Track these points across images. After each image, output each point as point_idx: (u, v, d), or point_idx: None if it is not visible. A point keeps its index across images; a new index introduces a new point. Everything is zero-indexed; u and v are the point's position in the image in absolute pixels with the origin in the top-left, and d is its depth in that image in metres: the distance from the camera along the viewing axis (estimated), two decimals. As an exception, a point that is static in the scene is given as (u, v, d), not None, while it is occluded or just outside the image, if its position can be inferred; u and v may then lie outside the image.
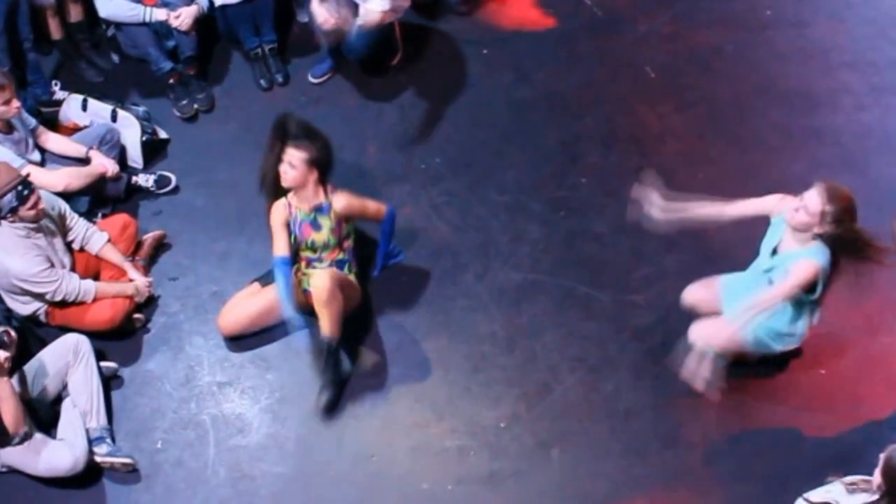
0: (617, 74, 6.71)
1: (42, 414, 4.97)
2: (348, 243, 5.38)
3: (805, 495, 3.59)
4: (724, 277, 5.18)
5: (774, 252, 4.83)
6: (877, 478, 3.56)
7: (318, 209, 5.18)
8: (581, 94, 6.61)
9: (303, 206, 5.19)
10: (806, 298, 4.78)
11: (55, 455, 4.82)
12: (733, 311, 4.86)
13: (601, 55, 6.83)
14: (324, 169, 5.14)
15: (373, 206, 5.37)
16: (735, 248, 5.72)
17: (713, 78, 6.61)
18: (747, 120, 6.23)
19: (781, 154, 6.25)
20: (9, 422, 4.66)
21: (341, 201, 5.18)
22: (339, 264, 5.36)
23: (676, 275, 5.64)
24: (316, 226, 5.21)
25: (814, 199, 4.56)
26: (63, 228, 5.34)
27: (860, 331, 5.47)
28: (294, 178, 5.08)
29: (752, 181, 6.04)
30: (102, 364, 5.26)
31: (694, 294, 5.25)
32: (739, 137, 6.35)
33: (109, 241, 5.46)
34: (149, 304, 5.64)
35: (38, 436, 4.84)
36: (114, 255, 5.47)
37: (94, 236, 5.42)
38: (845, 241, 4.62)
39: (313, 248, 5.29)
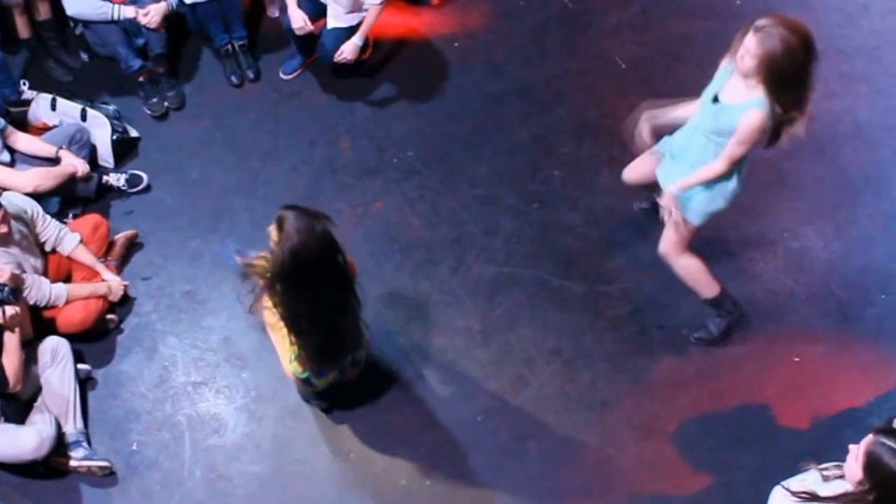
0: (588, 66, 6.71)
1: (12, 415, 4.91)
2: None
3: (783, 483, 3.58)
4: (659, 145, 5.03)
5: (716, 100, 4.58)
6: (854, 471, 3.53)
7: None
8: (553, 86, 6.60)
9: None
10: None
11: (21, 436, 4.80)
12: (673, 178, 4.80)
13: (572, 47, 6.83)
14: None
15: None
16: (708, 237, 5.77)
17: (684, 68, 6.61)
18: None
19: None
20: (10, 374, 4.71)
21: None
22: None
23: (650, 264, 5.64)
24: None
25: (751, 41, 4.27)
26: (34, 231, 5.28)
27: (833, 318, 5.52)
28: None
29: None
30: (77, 366, 5.22)
31: (633, 171, 5.27)
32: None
33: (81, 242, 5.41)
34: (122, 304, 5.61)
35: (7, 424, 4.82)
36: (86, 257, 5.43)
37: (66, 238, 5.37)
38: (790, 81, 4.31)
39: None
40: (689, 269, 5.15)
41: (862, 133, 6.31)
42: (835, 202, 5.99)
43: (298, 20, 6.22)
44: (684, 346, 5.42)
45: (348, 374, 4.87)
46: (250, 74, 6.66)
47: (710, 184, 4.74)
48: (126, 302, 5.62)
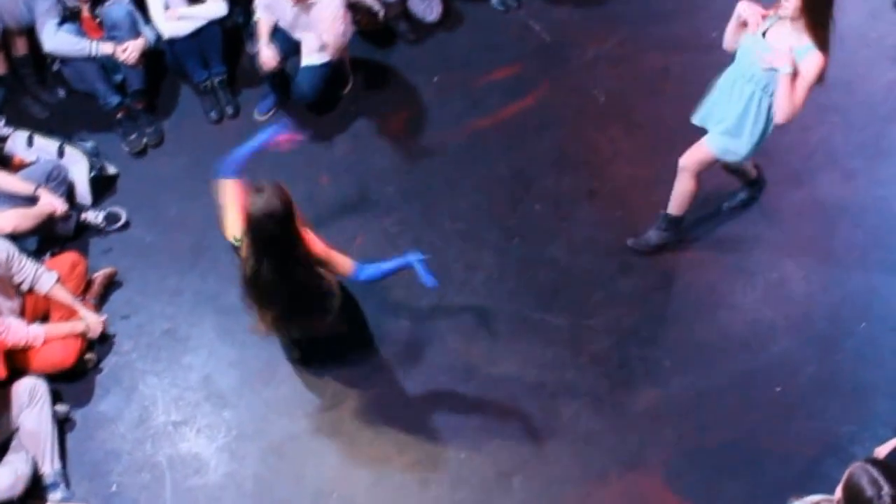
0: (566, 99, 6.74)
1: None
2: None
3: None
4: (700, 121, 5.44)
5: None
6: (838, 493, 3.57)
7: None
8: (531, 120, 6.62)
9: None
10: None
11: None
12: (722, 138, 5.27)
13: (550, 80, 6.86)
14: None
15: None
16: (689, 270, 5.80)
17: (661, 100, 6.66)
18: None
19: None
20: None
21: None
22: None
23: (631, 298, 5.70)
24: None
25: None
26: (10, 272, 5.23)
27: (813, 348, 5.53)
28: None
29: (703, 201, 6.08)
30: (54, 407, 5.17)
31: (688, 157, 5.50)
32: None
33: (58, 280, 5.36)
34: (102, 342, 5.57)
35: None
36: (63, 296, 5.38)
37: (43, 277, 5.32)
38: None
39: None
40: (687, 189, 5.57)
41: (837, 164, 6.35)
42: (812, 233, 6.02)
43: (268, 58, 6.21)
44: (667, 379, 5.42)
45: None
46: (229, 110, 6.66)
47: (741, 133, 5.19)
48: (105, 340, 5.58)
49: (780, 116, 4.94)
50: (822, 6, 4.72)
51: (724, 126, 5.23)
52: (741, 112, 5.11)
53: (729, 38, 5.10)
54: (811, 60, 4.76)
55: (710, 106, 5.32)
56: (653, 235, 5.86)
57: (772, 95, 4.96)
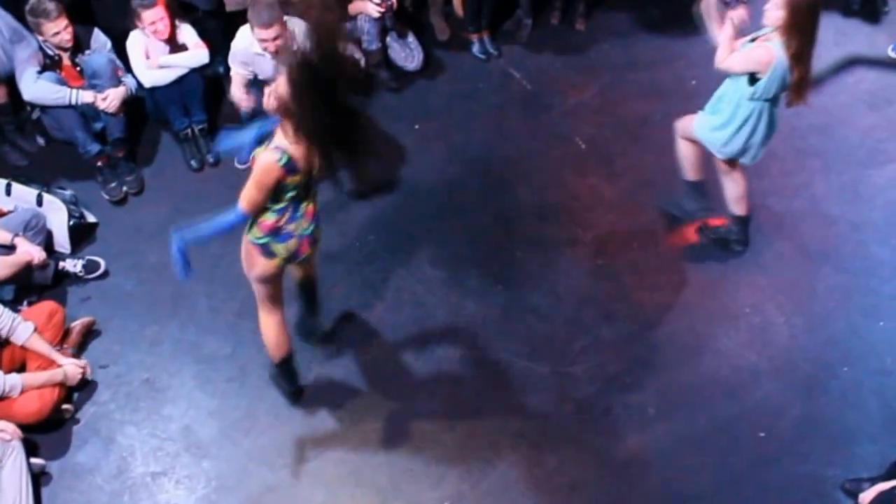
0: (548, 146, 6.77)
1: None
2: None
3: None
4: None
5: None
6: None
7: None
8: (513, 167, 6.64)
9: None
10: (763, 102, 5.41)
11: None
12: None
13: (532, 128, 6.89)
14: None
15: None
16: (671, 315, 5.79)
17: (642, 147, 6.70)
18: (677, 187, 6.30)
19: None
20: None
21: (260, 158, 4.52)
22: None
23: (614, 345, 5.68)
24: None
25: None
26: (-15, 323, 5.17)
27: (797, 392, 5.51)
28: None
29: (685, 247, 6.13)
30: (30, 461, 5.05)
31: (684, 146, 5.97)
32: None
33: (35, 331, 5.30)
34: (81, 389, 5.49)
35: None
36: (40, 346, 5.31)
37: (20, 328, 5.25)
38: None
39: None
40: (685, 153, 5.99)
41: (818, 208, 6.39)
42: (795, 277, 6.04)
43: (244, 102, 6.20)
44: (651, 425, 5.38)
45: (302, 250, 4.73)
46: (210, 159, 6.64)
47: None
48: (85, 387, 5.50)
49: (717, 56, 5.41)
50: (805, 20, 5.08)
51: (716, 118, 5.62)
52: (731, 111, 5.50)
53: (723, 54, 5.38)
54: (759, 49, 5.22)
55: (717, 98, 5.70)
56: (685, 202, 6.22)
57: (766, 102, 5.40)
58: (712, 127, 5.64)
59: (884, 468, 5.01)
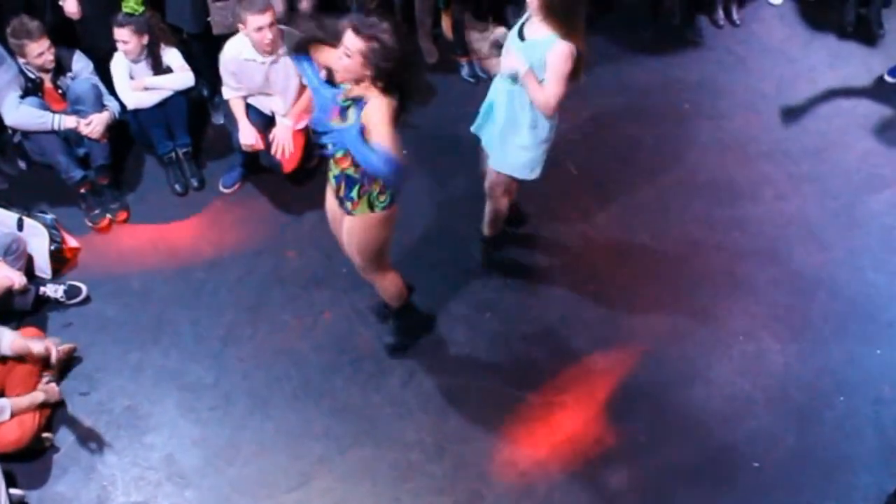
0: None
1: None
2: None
3: None
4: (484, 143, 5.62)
5: (521, 38, 5.07)
6: None
7: (356, 102, 4.54)
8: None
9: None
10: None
11: None
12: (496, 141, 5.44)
13: (522, 152, 6.82)
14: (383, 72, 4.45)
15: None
16: (664, 343, 5.71)
17: (634, 172, 6.65)
18: (670, 212, 6.25)
19: (705, 245, 6.29)
20: None
21: (374, 108, 4.44)
22: (349, 181, 4.75)
23: (605, 373, 5.61)
24: (343, 115, 4.58)
25: None
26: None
27: (791, 421, 5.45)
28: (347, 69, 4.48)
29: (677, 273, 6.07)
30: (9, 491, 4.95)
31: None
32: (663, 230, 6.36)
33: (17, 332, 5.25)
34: (59, 407, 5.41)
35: None
36: (22, 343, 5.21)
37: (4, 338, 5.17)
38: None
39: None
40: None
41: (813, 234, 6.35)
42: (789, 304, 5.98)
43: (249, 137, 6.18)
44: (641, 455, 5.30)
45: None
46: (194, 182, 6.57)
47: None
48: (62, 405, 5.43)
49: (538, 107, 5.11)
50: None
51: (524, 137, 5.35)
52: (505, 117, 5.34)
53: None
54: (555, 51, 4.89)
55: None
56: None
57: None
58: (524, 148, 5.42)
59: (881, 500, 4.99)
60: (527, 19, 5.07)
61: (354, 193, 4.72)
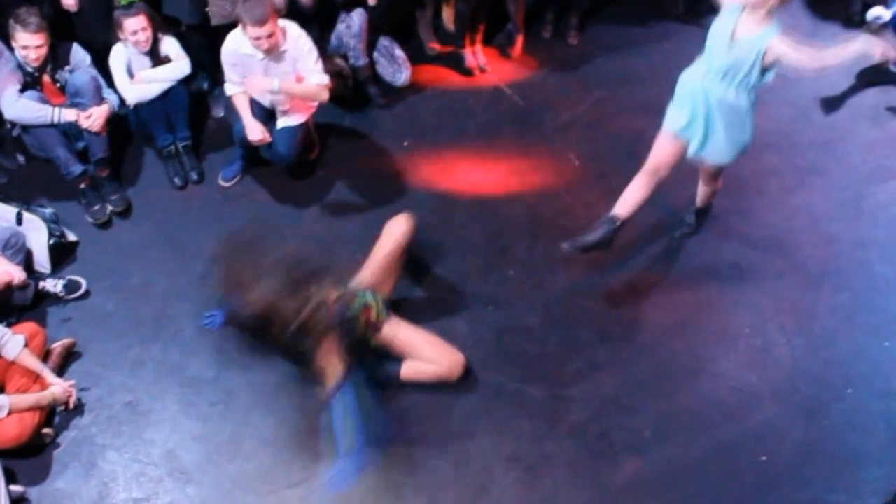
0: (541, 164, 6.68)
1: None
2: None
3: None
4: (670, 123, 5.64)
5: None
6: None
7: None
8: (505, 185, 6.55)
9: None
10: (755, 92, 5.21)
11: None
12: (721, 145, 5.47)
13: (524, 145, 6.80)
14: None
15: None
16: (669, 336, 5.67)
17: (637, 163, 6.55)
18: (675, 204, 6.19)
19: (710, 236, 6.23)
20: None
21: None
22: None
23: (610, 367, 5.57)
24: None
25: None
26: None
27: (799, 415, 5.41)
28: None
29: (681, 265, 6.02)
30: (8, 487, 4.93)
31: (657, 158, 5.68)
32: (667, 222, 6.30)
33: (26, 345, 5.19)
34: (74, 411, 5.37)
35: None
36: (31, 362, 5.21)
37: (10, 342, 5.15)
38: None
39: None
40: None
41: (819, 226, 6.30)
42: (795, 297, 5.93)
43: (257, 132, 6.14)
44: (648, 449, 5.26)
45: None
46: (194, 176, 6.53)
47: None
48: (74, 409, 5.37)
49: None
50: None
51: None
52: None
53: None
54: (775, 42, 4.91)
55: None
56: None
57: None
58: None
59: (890, 494, 4.94)
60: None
61: None
